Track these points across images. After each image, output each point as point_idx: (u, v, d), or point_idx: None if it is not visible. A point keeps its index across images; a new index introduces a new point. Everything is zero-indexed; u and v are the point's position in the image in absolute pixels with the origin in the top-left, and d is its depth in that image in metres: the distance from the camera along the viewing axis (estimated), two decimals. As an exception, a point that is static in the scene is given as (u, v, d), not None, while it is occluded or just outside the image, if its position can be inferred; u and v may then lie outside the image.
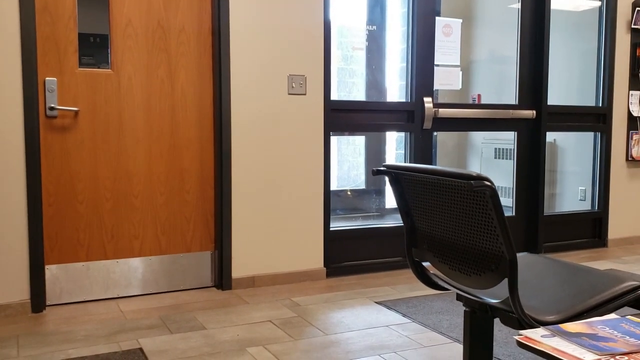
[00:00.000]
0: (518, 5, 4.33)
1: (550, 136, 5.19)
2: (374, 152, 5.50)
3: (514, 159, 4.45)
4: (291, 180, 3.60)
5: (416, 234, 1.98)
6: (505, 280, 1.59)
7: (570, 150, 5.15)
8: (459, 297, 1.96)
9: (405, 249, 2.02)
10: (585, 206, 4.85)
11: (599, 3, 4.64)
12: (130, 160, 3.30)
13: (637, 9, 4.61)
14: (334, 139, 3.72)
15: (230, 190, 3.44)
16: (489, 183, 1.51)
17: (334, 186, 5.03)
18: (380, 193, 5.54)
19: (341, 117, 3.76)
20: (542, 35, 4.32)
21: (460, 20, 4.09)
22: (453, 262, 1.81)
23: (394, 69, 3.87)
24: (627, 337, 1.19)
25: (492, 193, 1.51)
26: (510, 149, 4.68)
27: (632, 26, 4.65)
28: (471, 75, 5.48)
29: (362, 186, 5.60)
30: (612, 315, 1.36)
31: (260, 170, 3.51)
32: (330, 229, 3.76)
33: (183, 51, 3.37)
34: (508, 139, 4.84)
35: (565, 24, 4.85)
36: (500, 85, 5.06)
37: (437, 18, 3.96)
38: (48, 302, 3.15)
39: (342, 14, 3.79)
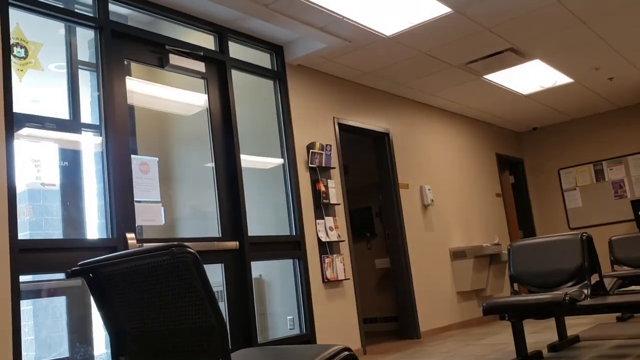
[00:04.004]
0: (212, 164, 4.62)
1: (256, 272, 5.43)
2: (78, 318, 4.98)
3: (225, 298, 4.50)
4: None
5: (124, 338, 1.82)
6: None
7: (276, 283, 5.43)
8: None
9: (112, 360, 1.83)
10: (296, 332, 5.08)
11: (282, 160, 5.20)
12: None
13: (311, 150, 5.34)
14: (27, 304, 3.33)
15: None
16: (190, 250, 1.50)
17: (31, 358, 4.40)
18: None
19: (33, 258, 3.40)
20: (236, 182, 4.65)
21: (157, 158, 4.19)
22: (166, 355, 1.70)
23: (93, 206, 3.74)
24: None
25: (195, 259, 1.50)
26: (221, 291, 4.73)
27: (310, 165, 5.33)
28: (178, 220, 5.55)
29: (66, 354, 4.99)
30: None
31: None
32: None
33: None
34: (218, 282, 4.90)
35: (258, 172, 5.31)
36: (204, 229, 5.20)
37: (132, 156, 4.00)
38: None
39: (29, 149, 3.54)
